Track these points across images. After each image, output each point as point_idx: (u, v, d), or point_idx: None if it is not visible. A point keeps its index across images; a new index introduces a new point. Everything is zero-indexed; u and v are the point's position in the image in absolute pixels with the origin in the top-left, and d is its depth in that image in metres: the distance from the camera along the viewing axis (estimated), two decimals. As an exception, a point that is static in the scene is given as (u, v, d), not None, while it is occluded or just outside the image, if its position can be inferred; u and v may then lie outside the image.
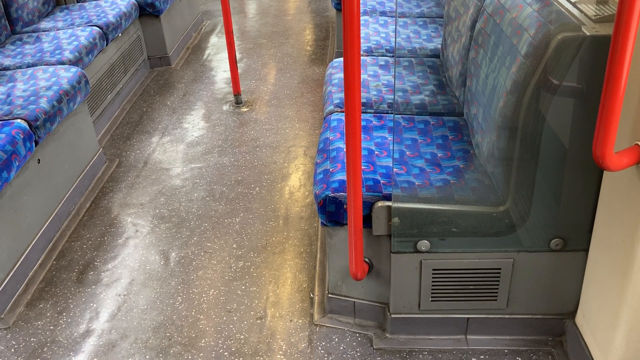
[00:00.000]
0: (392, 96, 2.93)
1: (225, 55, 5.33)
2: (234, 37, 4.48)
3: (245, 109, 4.41)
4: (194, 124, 4.22)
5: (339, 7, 4.86)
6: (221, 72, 5.11)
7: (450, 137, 2.58)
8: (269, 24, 6.21)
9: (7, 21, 4.08)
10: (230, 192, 3.42)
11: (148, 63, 5.12)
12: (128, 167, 3.73)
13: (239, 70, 4.87)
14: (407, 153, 2.48)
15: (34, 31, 4.17)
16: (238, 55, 5.28)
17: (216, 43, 5.77)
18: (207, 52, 5.56)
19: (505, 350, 2.32)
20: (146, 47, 5.08)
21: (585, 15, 1.91)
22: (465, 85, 2.71)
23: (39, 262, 2.94)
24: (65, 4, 4.77)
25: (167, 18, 5.14)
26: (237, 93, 4.45)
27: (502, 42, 2.20)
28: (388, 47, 3.57)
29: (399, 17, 4.07)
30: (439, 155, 2.46)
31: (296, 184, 3.49)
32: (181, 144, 3.97)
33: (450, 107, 2.85)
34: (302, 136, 4.01)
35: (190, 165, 3.72)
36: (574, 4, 2.01)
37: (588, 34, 1.82)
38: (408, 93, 2.97)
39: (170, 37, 5.20)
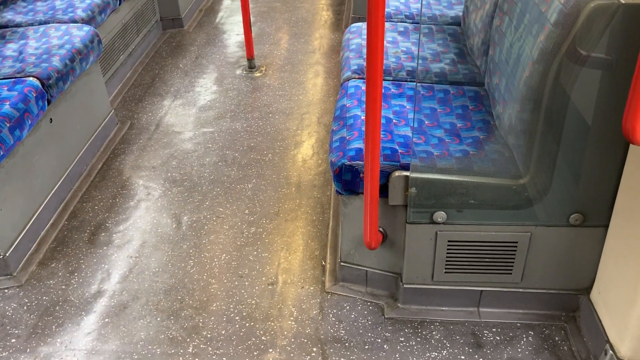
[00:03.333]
0: (411, 64, 2.86)
1: (238, 18, 5.24)
2: (248, -1, 4.39)
3: (259, 74, 4.35)
4: (207, 88, 4.17)
5: (356, -29, 4.74)
6: (234, 35, 5.02)
7: (470, 107, 2.52)
8: (284, -12, 6.09)
9: (18, -23, 4.00)
10: (243, 158, 3.39)
11: (160, 24, 5.04)
12: (140, 129, 3.70)
13: (252, 34, 4.78)
14: (426, 122, 2.43)
15: (45, -12, 4.09)
16: (252, 19, 5.18)
17: (229, 6, 5.67)
18: (220, 14, 5.47)
19: (518, 324, 2.31)
20: (159, 8, 5.00)
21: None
22: (487, 54, 2.64)
23: (51, 221, 2.94)
24: (78, -39, 4.66)
25: (180, -22, 5.04)
26: (250, 57, 4.38)
27: (529, 10, 2.13)
28: (407, 13, 3.48)
29: (419, -18, 3.96)
30: (458, 125, 2.41)
31: (309, 151, 3.45)
32: (193, 108, 3.92)
33: (471, 76, 2.78)
34: (315, 103, 3.95)
35: (202, 129, 3.68)
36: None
37: (623, 1, 1.75)
38: (428, 61, 2.90)
39: (183, -2, 5.11)
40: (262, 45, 4.78)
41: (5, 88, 2.73)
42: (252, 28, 5.00)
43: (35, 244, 2.80)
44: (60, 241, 2.83)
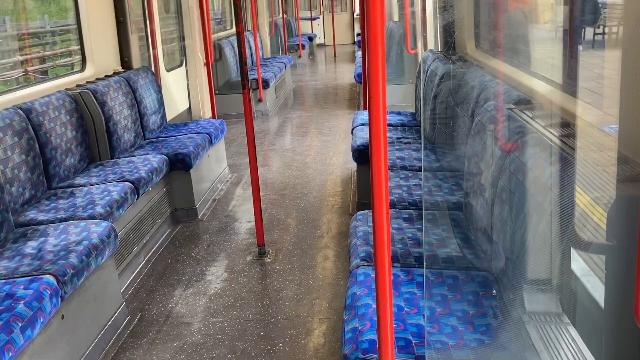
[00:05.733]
0: (418, 249, 2.93)
1: (249, 206, 5.47)
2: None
3: (269, 260, 4.42)
4: (218, 276, 4.22)
5: (359, 160, 5.05)
6: (245, 222, 5.21)
7: (480, 293, 2.53)
8: (292, 176, 6.44)
9: (44, 177, 4.29)
10: (253, 349, 3.31)
11: (175, 215, 5.25)
12: (150, 321, 3.68)
13: (263, 221, 4.96)
14: (438, 310, 2.42)
15: (68, 186, 4.36)
16: (262, 206, 5.41)
17: (241, 194, 5.96)
18: (232, 203, 5.72)
19: None
20: (174, 200, 5.25)
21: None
22: (491, 240, 2.71)
23: None
24: (100, 160, 5.03)
25: (196, 172, 5.37)
26: (260, 244, 4.49)
27: (527, 200, 2.24)
28: (410, 200, 3.64)
29: (420, 171, 4.20)
30: (470, 312, 2.40)
31: (321, 340, 3.38)
32: (204, 297, 3.93)
33: (478, 261, 2.83)
34: (326, 287, 3.96)
35: (212, 319, 3.65)
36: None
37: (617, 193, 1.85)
38: (434, 247, 2.98)
39: (197, 189, 5.39)
40: (272, 231, 4.93)
41: (22, 286, 2.78)
42: (263, 215, 5.20)
43: None
44: None
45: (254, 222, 4.62)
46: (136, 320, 3.68)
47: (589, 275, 2.02)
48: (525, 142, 2.55)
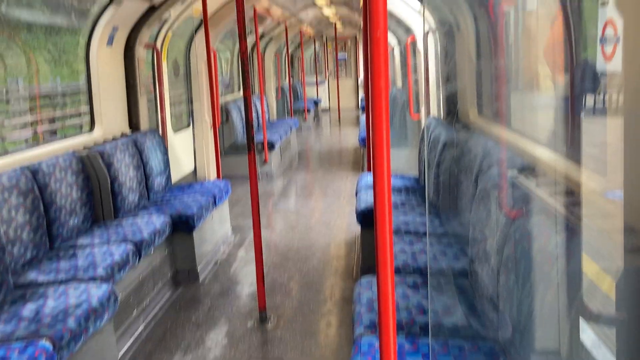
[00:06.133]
0: (423, 318, 2.86)
1: (251, 268, 5.41)
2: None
3: (270, 326, 4.33)
4: (217, 342, 4.12)
5: (364, 224, 5.03)
6: (247, 286, 5.14)
7: (487, 365, 2.45)
8: (296, 239, 6.41)
9: (47, 238, 4.27)
10: (252, 420, 3.19)
11: (176, 277, 5.19)
12: (146, 388, 3.57)
13: (265, 286, 4.89)
14: (444, 383, 2.34)
15: (70, 247, 4.33)
16: (265, 269, 5.35)
17: (244, 257, 5.91)
18: (234, 265, 5.67)
19: None
20: (176, 262, 5.20)
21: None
22: (498, 309, 2.66)
23: None
24: (104, 220, 5.02)
25: (198, 234, 5.35)
26: (262, 309, 4.41)
27: (533, 268, 2.20)
28: (415, 266, 3.60)
29: (425, 235, 4.18)
30: (477, 385, 2.32)
31: (323, 410, 3.26)
32: (203, 364, 3.83)
33: (485, 330, 2.76)
34: (328, 357, 3.85)
35: (211, 387, 3.54)
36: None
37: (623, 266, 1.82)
38: (439, 315, 2.91)
39: (200, 251, 5.35)
40: (274, 296, 4.85)
41: (17, 351, 2.72)
42: (265, 278, 5.14)
43: None
44: None
45: (256, 286, 4.56)
46: (132, 388, 3.58)
47: (599, 348, 1.96)
48: (530, 209, 2.54)
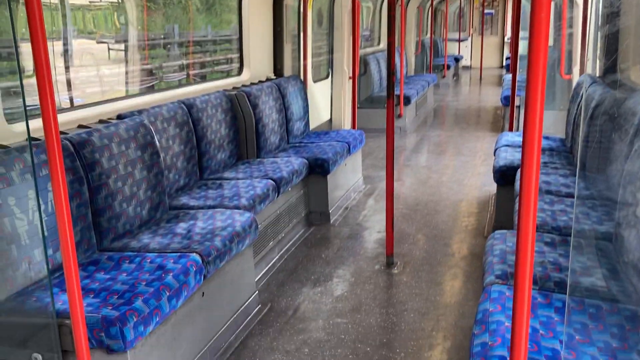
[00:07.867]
0: (559, 275, 2.77)
1: (380, 217, 5.51)
2: (393, 201, 4.65)
3: (396, 271, 4.42)
4: (345, 279, 4.29)
5: (501, 182, 4.89)
6: (375, 232, 5.25)
7: (627, 328, 2.34)
8: (426, 193, 6.39)
9: (198, 168, 4.66)
10: (374, 354, 3.32)
11: (309, 217, 5.43)
12: (278, 312, 3.83)
13: (393, 233, 4.97)
14: (577, 338, 2.28)
15: (218, 179, 4.70)
16: (394, 219, 5.42)
17: (373, 205, 6.01)
18: (363, 212, 5.80)
19: None
20: (310, 203, 5.44)
21: None
22: (645, 273, 2.50)
23: (184, 393, 3.01)
24: (247, 158, 5.35)
25: (332, 178, 5.53)
26: (389, 254, 4.50)
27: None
28: (554, 225, 3.46)
29: (566, 197, 3.98)
30: (614, 345, 2.22)
31: (444, 356, 3.31)
32: (330, 297, 4.02)
33: (626, 295, 2.61)
34: (453, 305, 3.87)
35: (337, 319, 3.72)
36: None
37: None
38: (577, 274, 2.80)
39: (332, 195, 5.54)
40: (401, 244, 4.91)
41: (172, 260, 3.05)
42: (394, 227, 5.21)
43: (166, 413, 2.86)
44: (188, 414, 2.86)
45: (384, 233, 4.65)
46: (266, 310, 3.86)
47: None
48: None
